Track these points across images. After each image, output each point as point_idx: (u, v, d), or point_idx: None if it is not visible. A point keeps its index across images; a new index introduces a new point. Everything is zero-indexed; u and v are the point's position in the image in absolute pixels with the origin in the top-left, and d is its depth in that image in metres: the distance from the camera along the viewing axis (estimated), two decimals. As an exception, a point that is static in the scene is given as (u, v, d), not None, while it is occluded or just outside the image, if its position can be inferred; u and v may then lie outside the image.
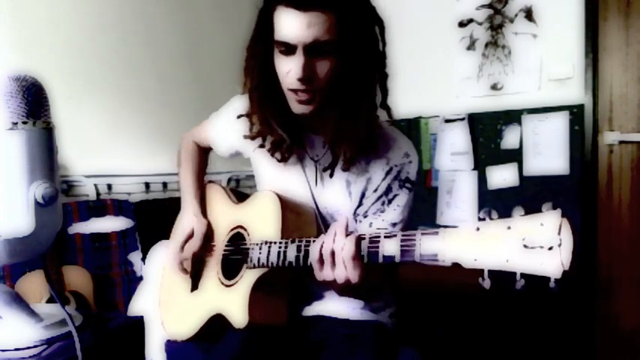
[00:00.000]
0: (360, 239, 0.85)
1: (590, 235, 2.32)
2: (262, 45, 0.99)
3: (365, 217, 1.10)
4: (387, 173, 1.07)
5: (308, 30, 0.90)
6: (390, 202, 1.08)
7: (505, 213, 0.71)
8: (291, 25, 0.91)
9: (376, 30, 0.99)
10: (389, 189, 1.08)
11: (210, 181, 1.36)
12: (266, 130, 1.06)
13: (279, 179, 1.14)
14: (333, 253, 0.86)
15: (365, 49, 0.97)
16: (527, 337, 2.36)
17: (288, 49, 0.94)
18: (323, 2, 0.90)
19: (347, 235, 0.86)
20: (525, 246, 0.66)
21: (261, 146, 1.10)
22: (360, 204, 1.10)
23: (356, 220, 1.12)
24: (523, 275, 0.67)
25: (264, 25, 0.98)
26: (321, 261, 0.88)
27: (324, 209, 1.12)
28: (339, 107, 1.00)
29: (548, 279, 0.65)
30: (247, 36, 1.04)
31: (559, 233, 0.65)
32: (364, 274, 0.85)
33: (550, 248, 0.65)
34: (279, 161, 1.09)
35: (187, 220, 1.20)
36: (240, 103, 1.17)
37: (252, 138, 1.10)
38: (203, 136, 1.34)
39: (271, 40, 0.97)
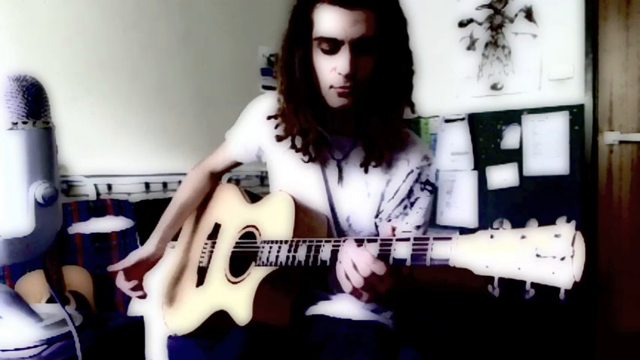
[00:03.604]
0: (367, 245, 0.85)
1: (590, 235, 2.32)
2: (300, 43, 1.00)
3: (388, 220, 1.10)
4: (408, 175, 1.08)
5: (354, 27, 0.93)
6: (412, 205, 1.09)
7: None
8: (338, 22, 0.93)
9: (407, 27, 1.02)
10: (410, 192, 1.08)
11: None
12: (299, 123, 1.05)
13: (297, 181, 1.13)
14: (354, 265, 0.85)
15: (399, 46, 1.00)
16: (526, 337, 2.36)
17: (333, 46, 0.95)
18: (367, 1, 0.93)
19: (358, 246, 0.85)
20: (538, 255, 0.66)
21: (292, 147, 1.08)
22: (378, 205, 1.10)
23: (377, 224, 1.12)
24: (533, 285, 0.67)
25: (301, 23, 0.98)
26: (348, 276, 0.86)
27: (340, 211, 1.12)
28: (373, 105, 1.02)
29: (557, 290, 0.65)
30: (282, 34, 1.03)
31: (572, 244, 0.65)
32: (390, 271, 0.84)
33: (562, 258, 0.65)
34: (307, 162, 1.09)
35: (148, 247, 1.22)
36: (264, 106, 1.15)
37: (285, 135, 1.08)
38: (220, 156, 1.30)
39: (309, 38, 0.98)
